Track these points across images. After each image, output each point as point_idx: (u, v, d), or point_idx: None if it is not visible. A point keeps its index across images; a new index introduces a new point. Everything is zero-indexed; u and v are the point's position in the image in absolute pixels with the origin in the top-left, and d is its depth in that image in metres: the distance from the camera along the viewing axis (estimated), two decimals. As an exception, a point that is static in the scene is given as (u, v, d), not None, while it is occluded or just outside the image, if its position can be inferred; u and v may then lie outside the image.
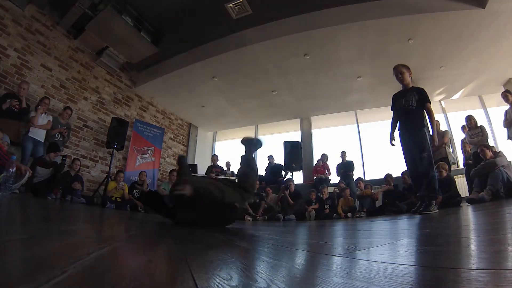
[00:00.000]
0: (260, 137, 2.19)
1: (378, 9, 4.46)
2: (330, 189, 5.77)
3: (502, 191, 3.36)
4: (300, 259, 0.77)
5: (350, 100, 7.16)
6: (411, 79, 3.17)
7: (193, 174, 6.60)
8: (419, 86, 3.22)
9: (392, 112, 3.36)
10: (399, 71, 3.14)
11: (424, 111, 3.11)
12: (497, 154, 3.82)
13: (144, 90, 6.83)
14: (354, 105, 7.48)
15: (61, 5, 4.85)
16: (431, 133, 3.17)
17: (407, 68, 3.16)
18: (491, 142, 4.75)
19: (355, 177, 6.24)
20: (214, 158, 7.37)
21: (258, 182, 6.00)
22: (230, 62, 5.62)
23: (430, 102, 3.06)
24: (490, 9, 4.08)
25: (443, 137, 5.31)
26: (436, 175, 3.04)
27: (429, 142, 3.03)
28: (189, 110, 7.84)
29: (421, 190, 3.00)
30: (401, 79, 3.14)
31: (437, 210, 2.89)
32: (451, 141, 6.00)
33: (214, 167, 6.99)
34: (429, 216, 2.58)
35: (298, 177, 7.14)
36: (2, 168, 2.55)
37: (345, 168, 6.45)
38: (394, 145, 3.25)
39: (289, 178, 6.32)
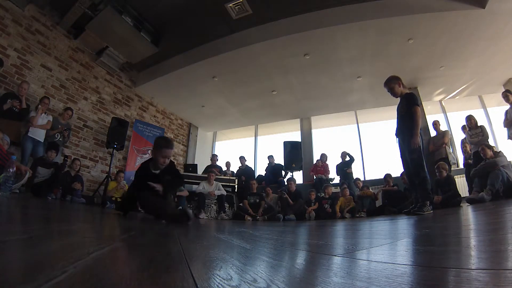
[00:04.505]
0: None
1: (378, 9, 4.46)
2: (332, 189, 5.77)
3: (502, 191, 3.37)
4: (300, 259, 0.77)
5: (350, 100, 7.16)
6: (402, 86, 3.30)
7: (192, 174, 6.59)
8: (413, 88, 3.19)
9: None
10: (388, 87, 3.29)
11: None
12: (497, 154, 3.82)
13: (144, 90, 6.83)
14: (354, 105, 7.48)
15: (61, 5, 4.86)
16: (423, 136, 3.24)
17: (395, 79, 3.28)
18: (491, 142, 4.75)
19: (354, 177, 6.26)
20: (214, 158, 7.35)
21: (256, 182, 6.02)
22: (230, 62, 5.62)
23: (417, 105, 3.11)
24: (490, 9, 4.09)
25: (443, 137, 5.32)
26: (428, 176, 3.05)
27: (421, 144, 3.08)
28: (189, 110, 7.84)
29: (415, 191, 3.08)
30: (393, 94, 3.30)
31: (431, 211, 2.91)
32: (451, 141, 6.00)
33: (213, 167, 6.97)
34: (429, 216, 2.58)
35: (298, 177, 7.15)
36: (2, 168, 2.55)
37: (344, 166, 6.48)
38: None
39: (290, 177, 6.32)
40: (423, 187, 2.98)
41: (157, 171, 2.33)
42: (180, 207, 4.65)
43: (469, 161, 4.57)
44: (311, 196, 5.38)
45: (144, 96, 7.01)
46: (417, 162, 3.04)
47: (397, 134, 3.32)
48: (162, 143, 2.31)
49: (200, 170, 7.16)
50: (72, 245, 0.67)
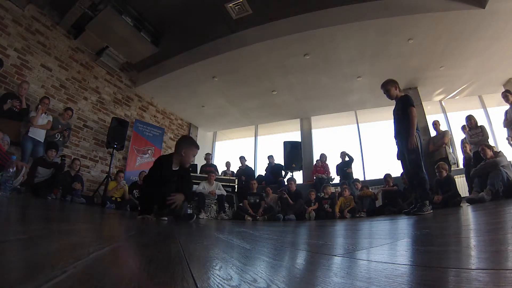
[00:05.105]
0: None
1: (378, 9, 4.46)
2: (332, 189, 5.77)
3: (502, 191, 3.36)
4: (300, 259, 0.77)
5: (350, 100, 7.16)
6: (398, 89, 3.40)
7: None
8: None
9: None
10: (385, 89, 3.39)
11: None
12: (497, 154, 3.82)
13: (144, 90, 6.83)
14: (354, 105, 7.48)
15: (61, 5, 4.86)
16: (420, 136, 3.28)
17: (392, 82, 3.37)
18: (491, 142, 4.75)
19: (354, 177, 6.26)
20: (207, 156, 7.27)
21: (256, 182, 6.01)
22: (230, 62, 5.62)
23: (413, 106, 3.19)
24: (490, 9, 4.09)
25: (443, 137, 5.32)
26: (426, 176, 3.10)
27: (419, 145, 3.12)
28: (189, 110, 7.84)
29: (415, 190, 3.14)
30: (388, 96, 3.39)
31: (431, 211, 2.94)
32: (451, 141, 6.00)
33: (207, 166, 6.92)
34: (429, 216, 2.58)
35: (298, 177, 7.15)
36: (2, 168, 2.55)
37: (344, 165, 6.48)
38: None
39: (290, 177, 6.32)
40: (422, 187, 3.04)
41: (177, 168, 2.48)
42: (189, 206, 4.67)
43: (469, 152, 4.59)
44: (311, 196, 5.37)
45: (144, 96, 7.01)
46: (415, 162, 3.09)
47: (395, 136, 3.38)
48: (195, 143, 2.59)
49: (199, 170, 7.15)
50: (72, 245, 0.67)
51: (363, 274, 0.51)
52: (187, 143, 2.52)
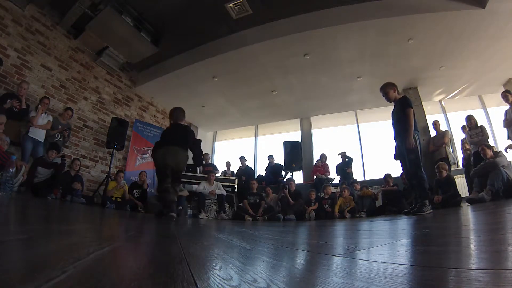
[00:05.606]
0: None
1: (378, 9, 4.46)
2: (332, 189, 5.76)
3: (502, 191, 3.36)
4: (300, 259, 0.77)
5: (350, 100, 7.16)
6: (397, 92, 3.46)
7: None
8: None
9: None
10: (384, 92, 3.45)
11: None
12: (497, 154, 3.82)
13: (144, 90, 6.83)
14: (354, 105, 7.48)
15: (61, 5, 4.85)
16: (418, 137, 3.30)
17: (391, 85, 3.44)
18: (491, 142, 4.74)
19: (354, 178, 6.26)
20: (205, 156, 7.21)
21: (256, 182, 6.00)
22: (230, 62, 5.62)
23: (411, 107, 3.23)
24: (490, 9, 4.08)
25: (443, 137, 5.32)
26: (425, 176, 3.13)
27: (418, 145, 3.16)
28: (189, 110, 7.75)
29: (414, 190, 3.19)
30: (387, 99, 3.45)
31: (431, 211, 2.97)
32: (451, 141, 6.00)
33: (205, 166, 6.90)
34: (429, 216, 2.58)
35: (298, 177, 7.14)
36: (2, 168, 2.55)
37: (344, 165, 6.48)
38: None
39: (290, 177, 6.32)
40: (422, 187, 3.08)
41: None
42: (181, 207, 4.66)
43: (469, 148, 4.60)
44: (311, 196, 5.37)
45: (144, 96, 7.00)
46: (414, 162, 3.13)
47: (395, 138, 3.41)
48: None
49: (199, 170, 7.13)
50: (72, 245, 0.67)
51: (363, 274, 0.51)
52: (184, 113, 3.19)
